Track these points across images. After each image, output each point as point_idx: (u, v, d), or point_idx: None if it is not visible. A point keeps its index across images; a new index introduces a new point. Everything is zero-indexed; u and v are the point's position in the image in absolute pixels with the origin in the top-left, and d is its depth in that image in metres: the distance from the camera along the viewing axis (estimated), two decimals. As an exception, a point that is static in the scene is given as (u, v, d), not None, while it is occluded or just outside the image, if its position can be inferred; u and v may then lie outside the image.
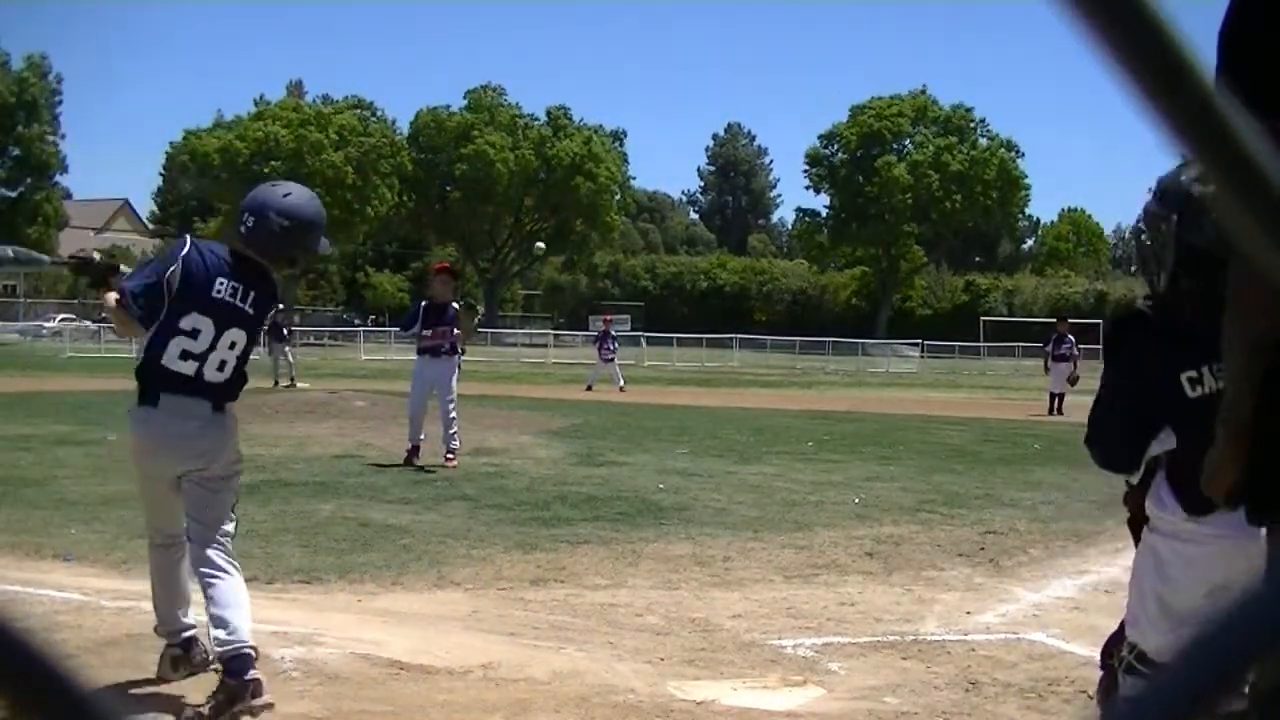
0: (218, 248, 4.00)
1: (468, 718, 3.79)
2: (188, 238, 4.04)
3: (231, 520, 3.92)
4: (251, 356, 4.06)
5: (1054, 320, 22.84)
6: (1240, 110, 0.39)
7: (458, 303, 10.47)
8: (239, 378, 3.97)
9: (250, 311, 3.92)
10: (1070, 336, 20.13)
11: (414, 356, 10.73)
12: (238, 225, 4.01)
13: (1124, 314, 2.31)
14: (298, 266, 4.21)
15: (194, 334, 3.83)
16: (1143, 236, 2.32)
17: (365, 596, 5.47)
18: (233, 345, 3.89)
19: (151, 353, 3.84)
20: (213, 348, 3.85)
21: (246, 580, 5.72)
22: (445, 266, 11.86)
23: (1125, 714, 0.41)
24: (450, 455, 10.19)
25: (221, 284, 3.87)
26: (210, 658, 3.94)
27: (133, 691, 3.89)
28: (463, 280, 78.56)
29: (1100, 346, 2.31)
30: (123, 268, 4.05)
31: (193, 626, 4.05)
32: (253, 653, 3.64)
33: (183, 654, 4.04)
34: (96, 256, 4.05)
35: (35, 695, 0.38)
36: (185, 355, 3.82)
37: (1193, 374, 2.11)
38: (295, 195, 4.04)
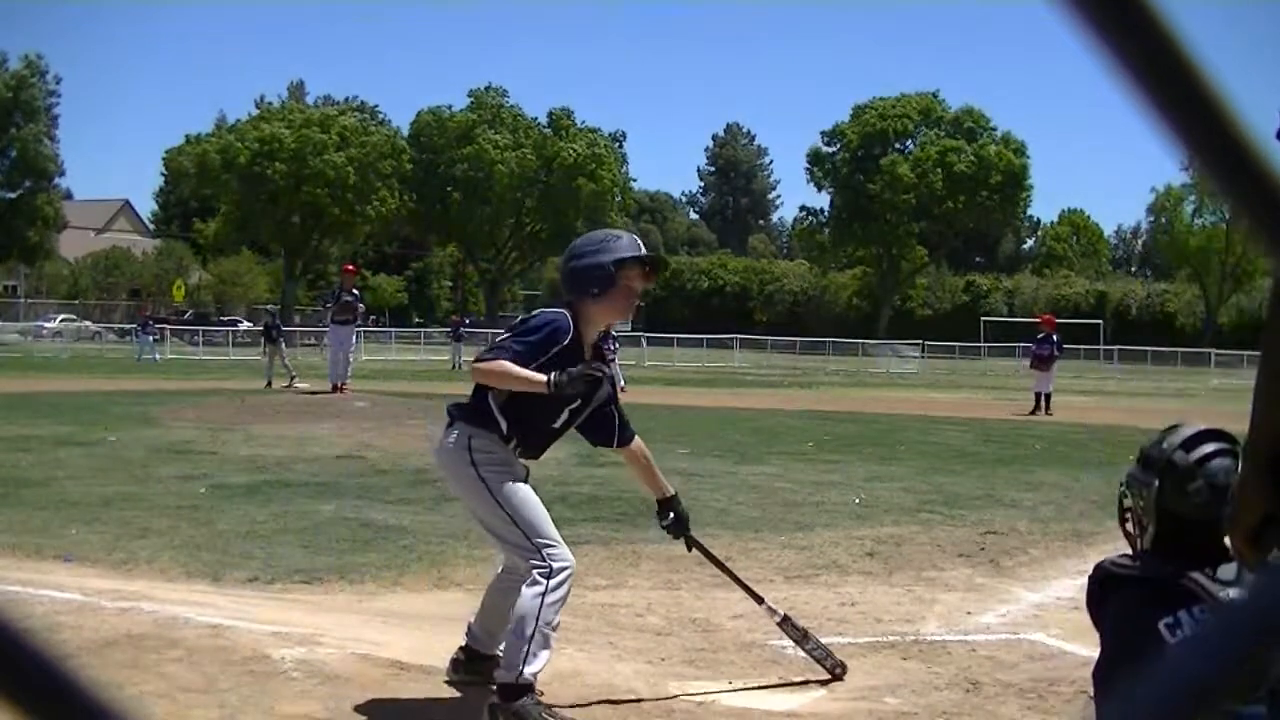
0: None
1: (468, 718, 3.79)
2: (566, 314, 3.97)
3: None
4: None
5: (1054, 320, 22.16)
6: (1239, 112, 0.40)
7: (350, 294, 17.99)
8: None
9: None
10: (1054, 335, 19.78)
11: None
12: (587, 290, 3.97)
13: (1102, 576, 2.42)
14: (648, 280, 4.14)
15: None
16: (1124, 499, 2.43)
17: (366, 597, 5.47)
18: None
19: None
20: None
21: (248, 580, 5.72)
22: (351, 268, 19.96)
23: (1127, 711, 0.41)
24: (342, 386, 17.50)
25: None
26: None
27: (132, 692, 3.89)
28: (464, 280, 77.77)
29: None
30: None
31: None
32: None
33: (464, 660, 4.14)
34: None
35: (35, 696, 0.38)
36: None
37: (1169, 620, 2.21)
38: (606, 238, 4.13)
